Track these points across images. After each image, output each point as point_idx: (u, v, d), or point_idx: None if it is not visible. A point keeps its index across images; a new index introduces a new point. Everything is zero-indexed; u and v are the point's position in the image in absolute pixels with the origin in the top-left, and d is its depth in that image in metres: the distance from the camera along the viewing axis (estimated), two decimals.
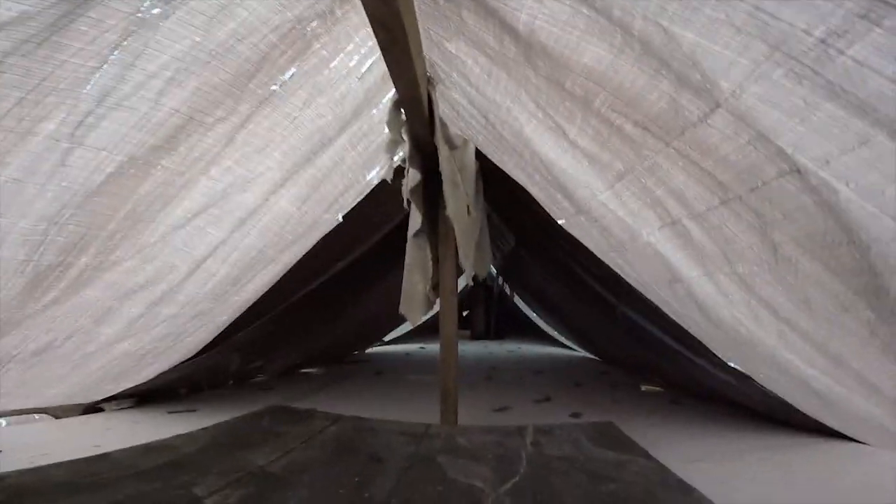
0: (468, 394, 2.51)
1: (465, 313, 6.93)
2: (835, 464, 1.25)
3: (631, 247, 1.22)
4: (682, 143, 0.84)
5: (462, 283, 5.15)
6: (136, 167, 1.01)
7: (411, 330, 5.41)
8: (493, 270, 4.84)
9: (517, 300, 5.35)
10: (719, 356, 1.43)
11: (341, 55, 1.13)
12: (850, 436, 1.37)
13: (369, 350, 4.80)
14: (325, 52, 1.09)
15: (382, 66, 1.18)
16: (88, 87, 0.88)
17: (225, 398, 2.35)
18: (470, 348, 5.25)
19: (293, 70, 1.07)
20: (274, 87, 1.07)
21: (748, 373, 1.40)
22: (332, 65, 1.13)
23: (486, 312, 6.56)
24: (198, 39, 0.90)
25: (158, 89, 0.94)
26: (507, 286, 4.95)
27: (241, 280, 1.53)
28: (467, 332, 6.68)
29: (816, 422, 1.41)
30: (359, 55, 1.16)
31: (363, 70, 1.21)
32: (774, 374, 1.25)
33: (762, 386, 1.40)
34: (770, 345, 1.11)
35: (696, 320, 1.28)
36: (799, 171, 0.70)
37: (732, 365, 1.42)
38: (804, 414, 1.40)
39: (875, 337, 0.86)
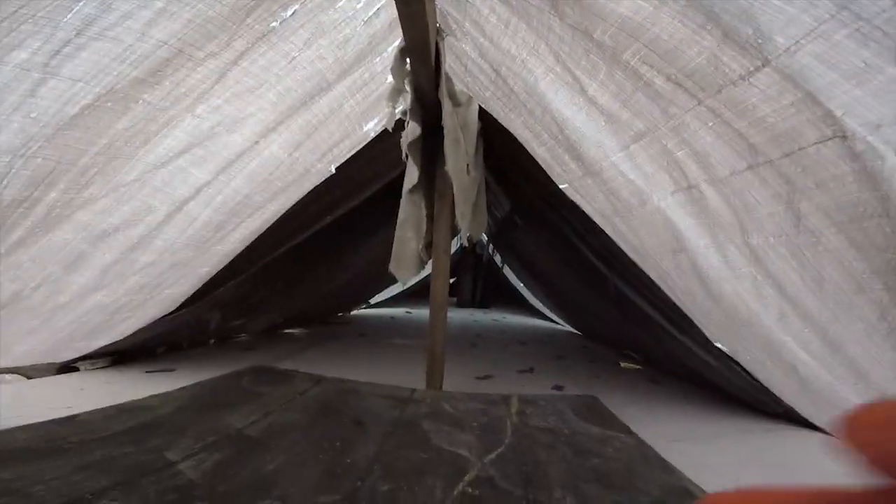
0: (453, 360, 2.50)
1: (452, 280, 6.94)
2: (801, 450, 1.29)
3: (638, 212, 1.18)
4: (718, 101, 0.79)
5: (455, 244, 5.13)
6: (115, 100, 0.91)
7: (397, 294, 5.41)
8: (484, 238, 4.80)
9: (506, 270, 5.35)
10: (707, 335, 1.43)
11: None
12: (820, 426, 1.42)
13: (354, 312, 4.78)
14: None
15: (391, 12, 1.10)
16: (69, 15, 0.79)
17: (205, 357, 2.30)
18: (455, 315, 5.29)
19: (296, 7, 0.97)
20: (274, 24, 0.97)
21: (732, 354, 1.41)
22: (338, 4, 1.04)
23: (473, 280, 6.59)
24: None
25: (147, 20, 0.84)
26: (497, 255, 4.93)
27: (224, 227, 1.45)
28: (453, 299, 6.73)
29: (788, 409, 1.44)
30: None
31: (370, 13, 1.12)
32: (762, 357, 1.26)
33: (743, 369, 1.42)
34: (767, 325, 1.10)
35: (694, 295, 1.26)
36: (844, 137, 0.66)
37: (717, 345, 1.42)
38: (778, 400, 1.43)
39: (883, 321, 0.85)
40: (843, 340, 0.96)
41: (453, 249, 5.51)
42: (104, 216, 1.18)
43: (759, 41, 0.67)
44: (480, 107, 1.57)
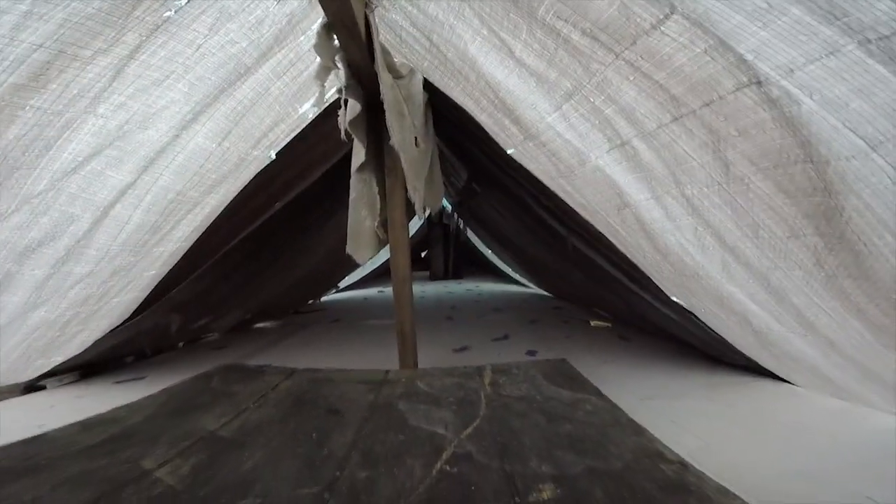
0: (429, 335, 2.52)
1: (423, 254, 6.93)
2: (771, 404, 1.33)
3: (580, 171, 1.17)
4: (634, 53, 0.77)
5: (418, 220, 5.05)
6: None
7: (367, 275, 5.36)
8: (449, 208, 4.76)
9: (472, 238, 5.35)
10: (664, 290, 1.46)
11: None
12: (782, 377, 1.46)
13: (325, 298, 4.72)
14: None
15: None
16: None
17: (175, 362, 2.26)
18: (430, 289, 5.29)
19: None
20: (168, 14, 0.89)
21: (690, 308, 1.43)
22: None
23: (444, 252, 6.58)
24: None
25: (13, 24, 0.76)
26: (463, 224, 4.92)
27: (161, 227, 1.37)
28: (426, 273, 6.72)
29: (750, 360, 1.49)
30: None
31: None
32: (716, 310, 1.29)
33: (702, 322, 1.45)
34: (714, 277, 1.12)
35: (644, 250, 1.28)
36: (759, 83, 0.65)
37: (675, 300, 1.45)
38: (740, 352, 1.47)
39: (819, 268, 0.86)
40: (785, 289, 0.98)
41: (416, 226, 5.45)
42: (22, 231, 1.10)
43: None
44: (425, 78, 1.52)
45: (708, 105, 0.74)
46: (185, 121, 1.10)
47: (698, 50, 0.68)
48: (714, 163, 0.82)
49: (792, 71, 0.62)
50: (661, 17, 0.67)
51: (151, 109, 1.01)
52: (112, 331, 1.77)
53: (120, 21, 0.81)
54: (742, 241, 0.93)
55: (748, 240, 0.91)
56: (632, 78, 0.80)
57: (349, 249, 1.61)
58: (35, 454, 0.94)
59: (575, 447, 0.90)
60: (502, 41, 0.96)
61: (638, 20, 0.70)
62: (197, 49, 0.97)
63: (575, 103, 0.96)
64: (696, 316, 1.45)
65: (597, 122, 0.96)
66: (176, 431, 1.06)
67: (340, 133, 1.34)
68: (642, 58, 0.76)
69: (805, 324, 1.06)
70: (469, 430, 1.01)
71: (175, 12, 0.87)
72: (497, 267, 5.56)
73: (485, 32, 1.00)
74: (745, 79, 0.66)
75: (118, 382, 1.89)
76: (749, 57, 0.64)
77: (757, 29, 0.61)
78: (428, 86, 1.57)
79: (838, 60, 0.60)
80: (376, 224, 1.66)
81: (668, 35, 0.69)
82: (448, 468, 0.84)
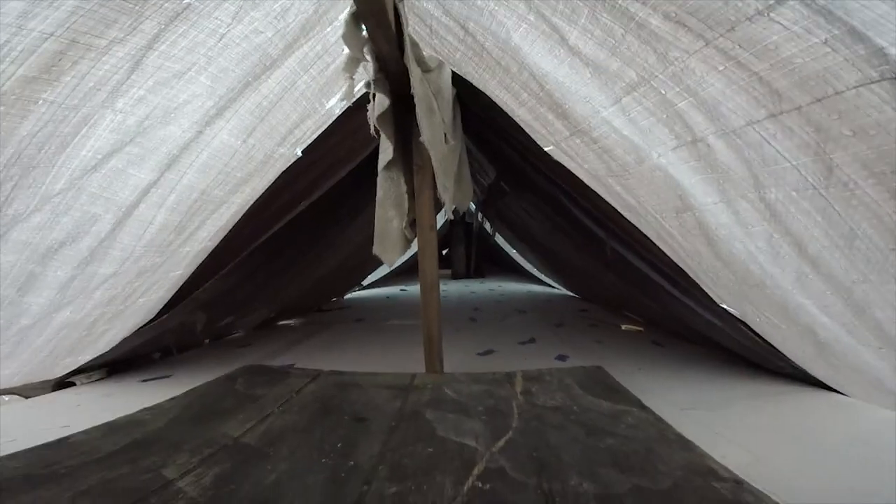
0: (452, 337, 2.45)
1: (444, 252, 6.87)
2: (820, 415, 1.23)
3: (635, 170, 1.07)
4: (731, 41, 0.66)
5: (441, 218, 4.98)
6: (7, 104, 0.78)
7: (391, 272, 5.33)
8: (473, 206, 4.69)
9: (497, 237, 5.26)
10: (713, 297, 1.35)
11: None
12: (834, 387, 1.35)
13: (348, 296, 4.71)
14: None
15: None
16: None
17: (201, 359, 2.24)
18: (452, 288, 5.23)
19: None
20: (188, 0, 0.82)
21: (742, 316, 1.33)
22: None
23: (466, 250, 6.51)
24: None
25: (20, 11, 0.71)
26: (488, 222, 4.84)
27: (187, 227, 1.33)
28: (448, 272, 6.67)
29: (796, 368, 1.38)
30: None
31: None
32: (776, 320, 1.18)
33: (752, 331, 1.34)
34: (783, 287, 1.01)
35: (700, 256, 1.17)
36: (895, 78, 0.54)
37: (724, 307, 1.34)
38: (787, 361, 1.36)
39: None
40: (868, 302, 0.87)
41: (440, 223, 5.39)
42: (44, 232, 1.06)
43: None
44: (453, 71, 1.43)
45: (819, 101, 0.63)
46: (208, 116, 1.04)
47: (816, 40, 0.59)
48: (813, 165, 0.72)
49: None
50: (773, 1, 0.57)
51: (173, 104, 0.95)
52: (138, 330, 1.75)
53: (136, 8, 0.75)
54: (829, 252, 0.82)
55: (837, 250, 0.80)
56: (721, 68, 0.70)
57: (376, 251, 1.55)
58: (56, 461, 0.93)
59: (619, 464, 0.84)
60: (553, 27, 0.87)
61: (740, 4, 0.61)
62: (220, 39, 0.91)
63: (639, 95, 0.85)
64: (744, 323, 1.34)
65: (664, 116, 0.85)
66: (198, 438, 1.04)
67: (370, 128, 1.27)
68: (740, 46, 0.66)
69: (883, 337, 0.96)
70: (501, 442, 0.96)
71: None
72: (520, 265, 5.46)
73: (531, 18, 0.90)
74: (875, 74, 0.56)
75: (144, 381, 1.88)
76: (891, 51, 0.54)
77: None
78: (456, 80, 1.49)
79: None
80: (404, 224, 1.60)
81: (777, 22, 0.60)
82: (480, 485, 0.79)
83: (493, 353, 2.14)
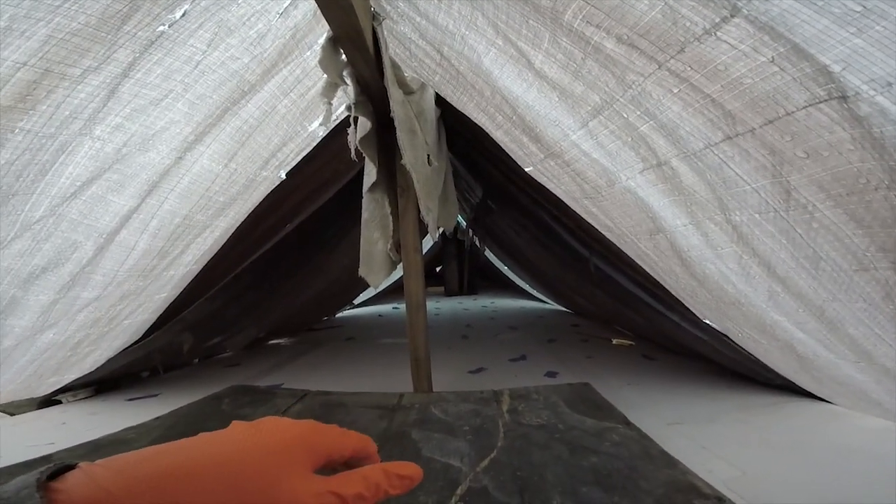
0: (443, 355, 2.44)
1: (438, 269, 6.87)
2: (810, 426, 1.23)
3: (607, 193, 1.08)
4: (681, 62, 0.67)
5: (430, 240, 4.99)
6: None
7: (384, 290, 5.32)
8: (464, 224, 4.72)
9: (488, 254, 5.28)
10: (696, 313, 1.36)
11: None
12: (822, 397, 1.35)
13: (340, 314, 4.68)
14: None
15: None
16: None
17: (189, 379, 2.23)
18: (444, 305, 5.22)
19: (186, 6, 0.84)
20: (161, 28, 0.84)
21: (725, 332, 1.34)
22: None
23: (459, 268, 6.51)
24: None
25: None
26: (478, 240, 4.88)
27: (170, 252, 1.33)
28: (441, 289, 6.66)
29: (786, 380, 1.38)
30: None
31: (285, 4, 0.99)
32: (756, 335, 1.19)
33: (736, 344, 1.35)
34: (758, 304, 1.02)
35: (677, 276, 1.18)
36: (845, 98, 0.55)
37: (708, 322, 1.36)
38: (775, 373, 1.37)
39: (889, 301, 0.76)
40: (841, 319, 0.87)
41: (430, 244, 5.40)
42: (25, 258, 1.06)
43: None
44: (437, 92, 1.47)
45: (771, 122, 0.64)
46: (187, 142, 1.06)
47: (763, 59, 0.59)
48: (772, 188, 0.72)
49: (891, 84, 0.52)
50: (718, 20, 0.58)
51: (151, 131, 0.96)
52: (124, 350, 1.75)
53: (109, 37, 0.77)
54: (796, 273, 0.83)
55: (804, 271, 0.81)
56: (676, 90, 0.71)
57: (362, 272, 1.56)
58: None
59: (601, 482, 0.84)
60: (520, 51, 0.89)
61: (688, 24, 0.61)
62: (196, 66, 0.93)
63: (604, 119, 0.87)
64: (729, 338, 1.35)
65: (629, 139, 0.87)
66: None
67: (351, 152, 1.29)
68: (691, 67, 0.67)
69: (859, 352, 0.96)
70: (485, 462, 0.96)
71: (169, 27, 0.83)
72: (512, 282, 5.47)
73: (500, 43, 0.93)
74: (822, 93, 0.56)
75: (131, 399, 1.87)
76: (836, 69, 0.54)
77: (848, 35, 0.51)
78: (440, 100, 1.52)
79: None
80: (389, 246, 1.61)
81: (725, 41, 0.60)
82: None
83: (484, 370, 2.14)
